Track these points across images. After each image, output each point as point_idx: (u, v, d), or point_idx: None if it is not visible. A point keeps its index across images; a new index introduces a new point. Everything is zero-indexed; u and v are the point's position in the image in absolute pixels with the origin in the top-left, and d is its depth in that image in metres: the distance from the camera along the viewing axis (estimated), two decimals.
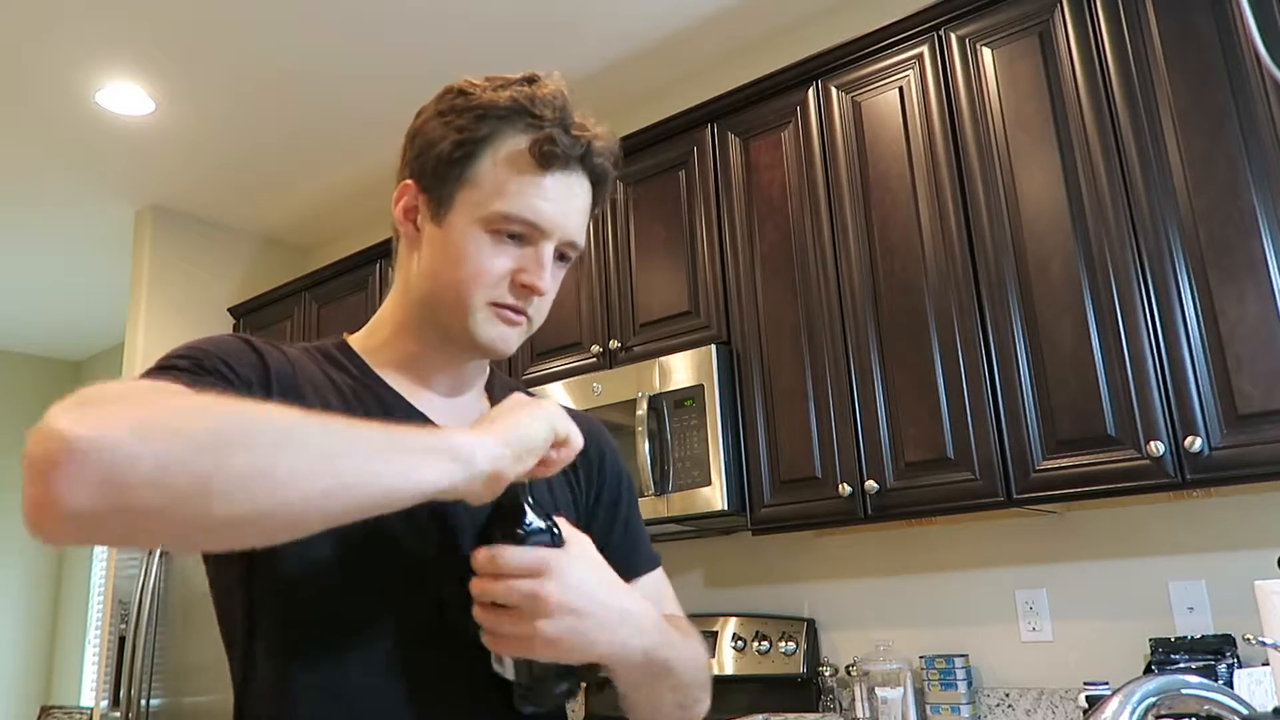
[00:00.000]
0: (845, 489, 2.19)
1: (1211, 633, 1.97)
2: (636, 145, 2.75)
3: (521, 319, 0.91)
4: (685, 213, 2.62)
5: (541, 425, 0.78)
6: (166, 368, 0.78)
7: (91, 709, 4.72)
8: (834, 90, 2.40)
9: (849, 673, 2.42)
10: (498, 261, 0.88)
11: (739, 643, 2.60)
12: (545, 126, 0.88)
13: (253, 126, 3.44)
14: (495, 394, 1.03)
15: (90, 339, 5.83)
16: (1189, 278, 1.83)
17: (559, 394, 2.66)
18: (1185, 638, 1.97)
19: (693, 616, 2.88)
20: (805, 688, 2.49)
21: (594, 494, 1.04)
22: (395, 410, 0.91)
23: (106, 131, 3.40)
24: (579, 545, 0.82)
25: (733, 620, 2.66)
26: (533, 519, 0.80)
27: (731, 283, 2.49)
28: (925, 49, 2.25)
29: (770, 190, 2.47)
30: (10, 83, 3.08)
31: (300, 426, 0.65)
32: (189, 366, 0.78)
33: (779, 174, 2.46)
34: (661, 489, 2.40)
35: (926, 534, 2.45)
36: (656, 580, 1.06)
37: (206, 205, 4.09)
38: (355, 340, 0.98)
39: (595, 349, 2.70)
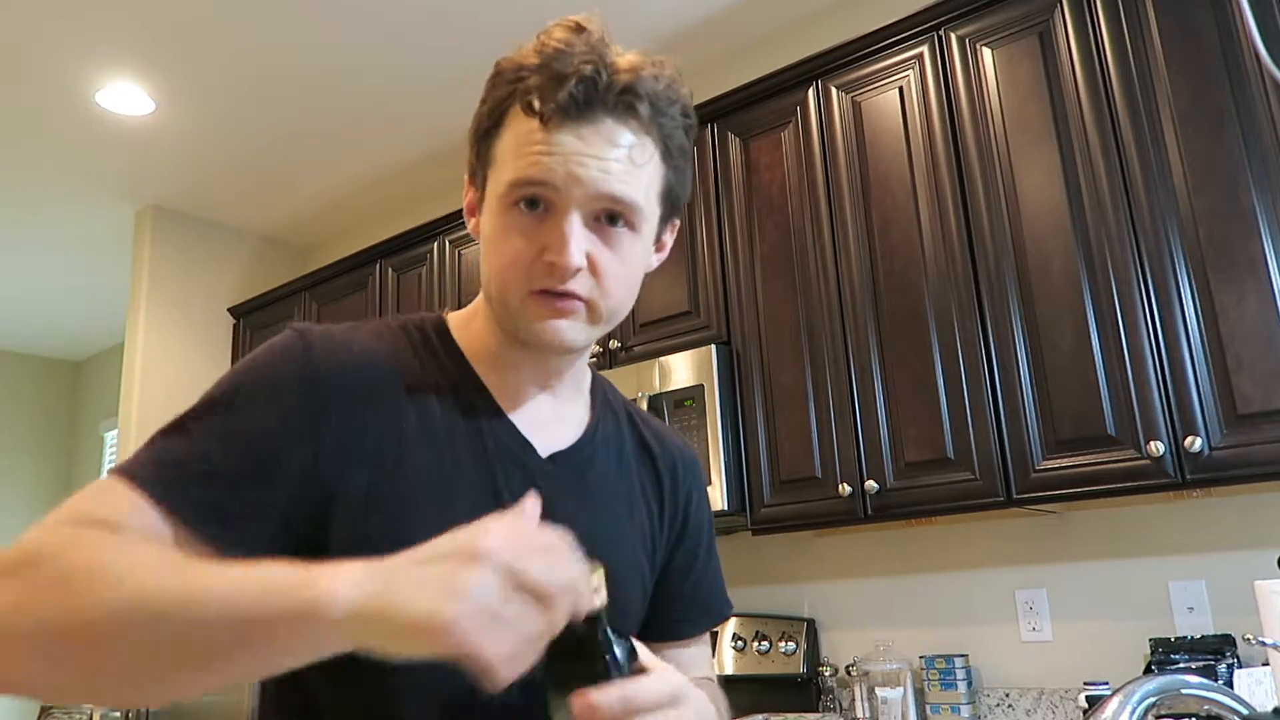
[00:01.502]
0: (845, 489, 2.19)
1: (1211, 633, 1.97)
2: None
3: (572, 303, 0.79)
4: (685, 213, 2.62)
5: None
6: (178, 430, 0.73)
7: (91, 709, 4.72)
8: (834, 90, 2.40)
9: (849, 673, 2.42)
10: (520, 241, 0.78)
11: (739, 643, 2.60)
12: (542, 75, 0.77)
13: (253, 126, 3.44)
14: (597, 400, 0.94)
15: (90, 339, 5.83)
16: (1189, 278, 1.83)
17: None
18: (1185, 638, 1.97)
19: None
20: (805, 688, 2.49)
21: (673, 540, 0.95)
22: (484, 415, 0.83)
23: (106, 131, 3.41)
24: (660, 661, 0.72)
25: (733, 620, 2.66)
26: (622, 643, 0.69)
27: (731, 283, 2.49)
28: (925, 49, 2.25)
29: (770, 190, 2.47)
30: (10, 82, 3.08)
31: (162, 636, 0.58)
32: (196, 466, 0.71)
33: (779, 174, 2.46)
34: None
35: (926, 534, 2.45)
36: (703, 644, 0.98)
37: (206, 205, 4.09)
38: (455, 323, 0.89)
39: (595, 349, 2.70)
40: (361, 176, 3.87)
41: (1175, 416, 1.80)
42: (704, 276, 2.54)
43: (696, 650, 0.97)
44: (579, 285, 0.78)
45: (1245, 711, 0.83)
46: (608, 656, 0.67)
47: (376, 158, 3.70)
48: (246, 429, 0.73)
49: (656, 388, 2.47)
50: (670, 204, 0.86)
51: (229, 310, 4.14)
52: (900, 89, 2.28)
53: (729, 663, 2.60)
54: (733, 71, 2.98)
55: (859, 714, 2.32)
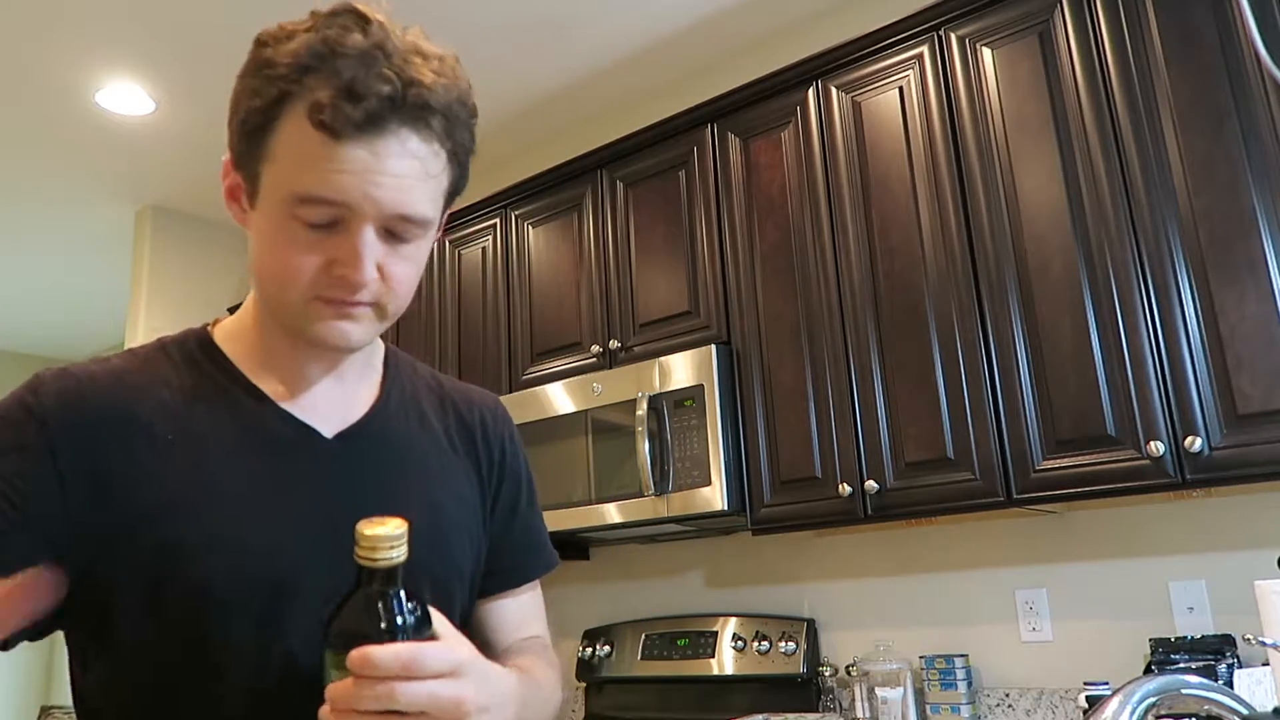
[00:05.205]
0: (845, 489, 2.19)
1: (1211, 633, 1.97)
2: (636, 145, 2.75)
3: (359, 309, 0.79)
4: (685, 213, 2.62)
5: None
6: None
7: None
8: (834, 90, 2.40)
9: (849, 673, 2.42)
10: (308, 256, 0.76)
11: (739, 643, 2.60)
12: (331, 85, 0.73)
13: None
14: (389, 371, 0.94)
15: (90, 339, 5.83)
16: (1189, 278, 1.83)
17: (558, 394, 2.65)
18: (1185, 638, 1.97)
19: (693, 616, 2.90)
20: (805, 688, 2.49)
21: (493, 489, 0.96)
22: (253, 411, 0.84)
23: (106, 131, 3.40)
24: (454, 631, 0.73)
25: (733, 620, 2.66)
26: (413, 606, 0.69)
27: (731, 283, 2.49)
28: (925, 49, 2.25)
29: (770, 190, 2.47)
30: (10, 83, 3.08)
31: None
32: None
33: (779, 174, 2.46)
34: (661, 489, 2.40)
35: (926, 534, 2.45)
36: (534, 597, 1.00)
37: (206, 205, 4.09)
38: (222, 330, 0.89)
39: (595, 349, 2.70)
40: None
41: (1175, 416, 1.80)
42: (704, 276, 2.54)
43: (530, 600, 0.99)
44: (367, 294, 0.78)
45: (1245, 711, 0.83)
46: (397, 617, 0.67)
47: None
48: (3, 475, 0.74)
49: (656, 388, 2.47)
50: (451, 197, 0.84)
51: (229, 310, 4.12)
52: (900, 89, 2.28)
53: (729, 663, 2.60)
54: (733, 71, 2.98)
55: (859, 714, 2.32)
